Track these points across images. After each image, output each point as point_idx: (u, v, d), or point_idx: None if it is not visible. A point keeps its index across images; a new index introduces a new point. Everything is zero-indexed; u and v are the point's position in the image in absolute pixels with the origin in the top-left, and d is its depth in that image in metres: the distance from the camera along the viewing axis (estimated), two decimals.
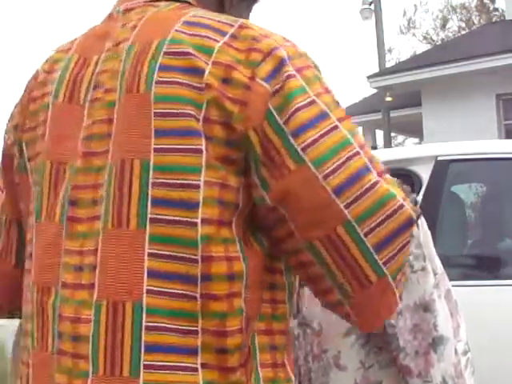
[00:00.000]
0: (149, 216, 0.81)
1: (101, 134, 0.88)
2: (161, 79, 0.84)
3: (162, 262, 0.81)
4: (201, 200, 0.81)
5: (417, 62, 12.95)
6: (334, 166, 0.81)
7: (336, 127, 0.83)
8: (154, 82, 0.84)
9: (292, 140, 0.81)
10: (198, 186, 0.81)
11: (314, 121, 0.82)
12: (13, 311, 1.11)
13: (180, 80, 0.83)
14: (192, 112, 0.82)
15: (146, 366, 0.79)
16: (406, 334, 1.09)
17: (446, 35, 23.22)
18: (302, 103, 0.82)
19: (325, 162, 0.81)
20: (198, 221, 0.81)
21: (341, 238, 0.81)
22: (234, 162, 0.83)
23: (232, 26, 0.87)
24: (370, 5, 12.98)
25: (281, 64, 0.84)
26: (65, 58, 0.97)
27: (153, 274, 0.81)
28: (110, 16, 0.98)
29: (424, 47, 21.99)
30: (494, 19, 21.13)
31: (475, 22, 22.84)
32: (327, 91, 0.86)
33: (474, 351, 1.23)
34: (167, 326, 0.80)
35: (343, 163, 0.81)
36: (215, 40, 0.85)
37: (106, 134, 0.87)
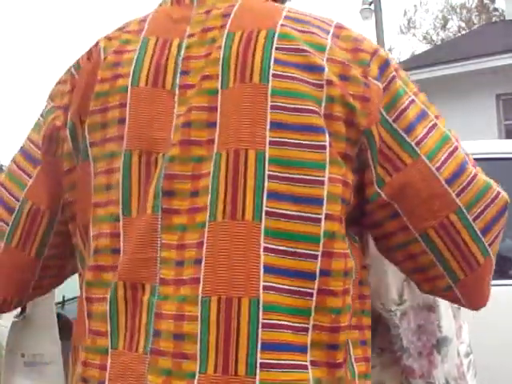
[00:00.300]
0: (264, 209, 0.80)
1: (201, 122, 0.84)
2: (277, 73, 0.83)
3: (278, 257, 0.79)
4: (325, 196, 0.80)
5: (417, 62, 12.93)
6: (442, 159, 0.87)
7: (435, 124, 0.89)
8: (270, 75, 0.83)
9: (405, 136, 0.86)
10: (322, 182, 0.81)
11: (418, 118, 0.88)
12: (17, 306, 1.06)
13: (298, 76, 0.83)
14: (315, 108, 0.82)
15: (262, 365, 0.77)
16: (410, 335, 1.09)
17: (446, 35, 23.23)
18: (406, 102, 0.88)
19: (435, 155, 0.87)
20: (322, 217, 0.80)
21: (453, 224, 0.87)
22: (351, 159, 0.84)
23: (329, 24, 0.90)
24: (370, 5, 12.94)
25: (385, 64, 0.88)
26: (137, 40, 0.92)
27: (269, 270, 0.79)
28: (179, 0, 0.95)
29: (424, 47, 22.01)
30: (493, 19, 21.13)
31: (475, 21, 22.84)
32: (419, 90, 0.92)
33: (474, 350, 1.22)
34: (282, 323, 0.78)
35: (449, 156, 0.88)
36: (323, 37, 0.87)
37: (209, 123, 0.84)
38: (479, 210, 0.88)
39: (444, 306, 1.12)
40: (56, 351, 1.44)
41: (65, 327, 1.50)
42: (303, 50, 0.84)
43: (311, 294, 0.79)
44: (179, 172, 0.83)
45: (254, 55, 0.84)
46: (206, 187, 0.81)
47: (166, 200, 0.83)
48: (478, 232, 0.88)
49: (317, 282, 0.79)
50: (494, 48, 11.10)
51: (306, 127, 0.81)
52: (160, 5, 0.99)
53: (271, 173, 0.80)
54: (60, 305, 1.74)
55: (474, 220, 0.88)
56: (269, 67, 0.83)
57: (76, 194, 0.93)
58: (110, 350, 0.84)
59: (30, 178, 0.99)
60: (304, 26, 0.88)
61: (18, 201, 0.99)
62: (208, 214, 0.80)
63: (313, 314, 0.79)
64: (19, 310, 1.42)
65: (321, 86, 0.83)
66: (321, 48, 0.85)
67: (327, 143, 0.81)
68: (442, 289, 0.92)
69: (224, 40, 0.87)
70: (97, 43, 0.97)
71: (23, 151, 1.02)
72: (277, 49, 0.84)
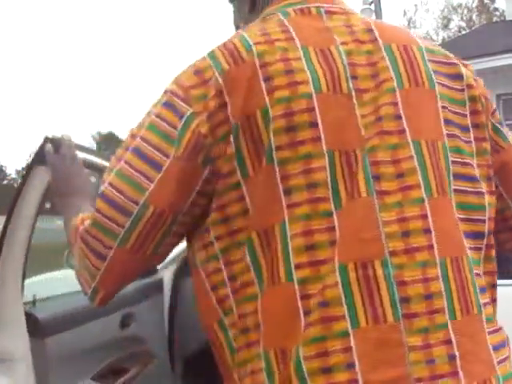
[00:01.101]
0: (453, 187, 1.02)
1: (389, 115, 1.00)
2: (438, 81, 1.06)
3: (465, 224, 1.02)
4: (479, 176, 1.06)
5: None
6: None
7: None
8: (436, 83, 1.06)
9: (500, 127, 1.15)
10: (473, 167, 1.06)
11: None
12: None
13: (449, 84, 1.08)
14: (463, 111, 1.07)
15: (482, 305, 0.99)
16: None
17: (446, 35, 23.21)
18: (494, 105, 1.16)
19: None
20: (484, 191, 1.06)
21: None
22: (488, 143, 1.10)
23: (435, 42, 1.16)
24: (370, 5, 12.91)
25: (475, 73, 1.13)
26: (294, 48, 1.01)
27: (464, 234, 1.01)
28: (303, 11, 1.07)
29: None
30: (494, 19, 21.11)
31: (476, 21, 22.82)
32: None
33: None
34: (478, 271, 1.02)
35: None
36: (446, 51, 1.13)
37: (396, 115, 1.01)
38: None
39: None
40: (25, 348, 1.48)
41: (34, 326, 1.56)
42: (446, 63, 1.09)
43: (481, 249, 1.04)
44: (381, 158, 0.98)
45: (418, 65, 1.06)
46: (412, 169, 0.98)
47: (376, 183, 0.97)
48: None
49: (485, 239, 1.05)
50: (494, 48, 11.06)
51: (462, 126, 1.06)
52: (274, 13, 1.08)
53: (453, 159, 1.03)
54: (31, 304, 1.76)
55: None
56: (431, 75, 1.06)
57: (239, 196, 0.96)
58: (350, 331, 0.90)
59: (151, 182, 0.98)
60: (429, 41, 1.12)
61: (136, 204, 0.98)
62: (423, 190, 0.98)
63: (483, 262, 1.04)
64: None
65: (463, 91, 1.08)
66: (452, 58, 1.11)
67: (472, 139, 1.07)
68: None
69: (384, 51, 1.05)
70: (237, 48, 1.00)
71: (139, 153, 1.00)
72: (430, 61, 1.07)
